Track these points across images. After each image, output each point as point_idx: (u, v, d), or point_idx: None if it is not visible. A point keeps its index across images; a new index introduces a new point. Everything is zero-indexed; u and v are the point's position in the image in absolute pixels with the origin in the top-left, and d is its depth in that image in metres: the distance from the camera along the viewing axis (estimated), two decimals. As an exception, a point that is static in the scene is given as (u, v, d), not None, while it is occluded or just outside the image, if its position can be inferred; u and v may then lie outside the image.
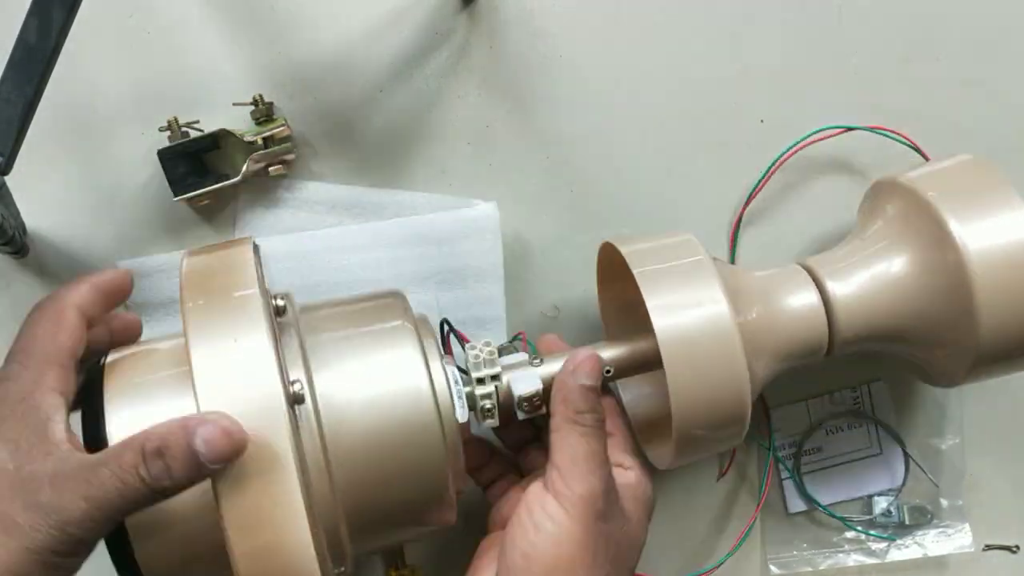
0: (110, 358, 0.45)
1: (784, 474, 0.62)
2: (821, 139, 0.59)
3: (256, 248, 0.46)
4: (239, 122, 0.58)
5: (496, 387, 0.49)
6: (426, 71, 0.60)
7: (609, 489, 0.46)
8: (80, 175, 0.59)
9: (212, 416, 0.38)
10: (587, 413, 0.47)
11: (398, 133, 0.60)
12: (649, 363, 0.51)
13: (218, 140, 0.57)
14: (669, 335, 0.47)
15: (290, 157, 0.58)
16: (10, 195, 0.54)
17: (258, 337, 0.40)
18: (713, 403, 0.48)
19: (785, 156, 0.60)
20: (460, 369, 0.49)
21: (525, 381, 0.49)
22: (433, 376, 0.46)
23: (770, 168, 0.60)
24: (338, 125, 0.60)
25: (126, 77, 0.59)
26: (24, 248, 0.57)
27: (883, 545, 0.62)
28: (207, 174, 0.57)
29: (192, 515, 0.41)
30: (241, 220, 0.59)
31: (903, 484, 0.62)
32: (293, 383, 0.42)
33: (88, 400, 0.43)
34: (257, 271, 0.44)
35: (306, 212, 0.60)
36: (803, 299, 0.52)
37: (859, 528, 0.62)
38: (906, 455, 0.62)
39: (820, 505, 0.61)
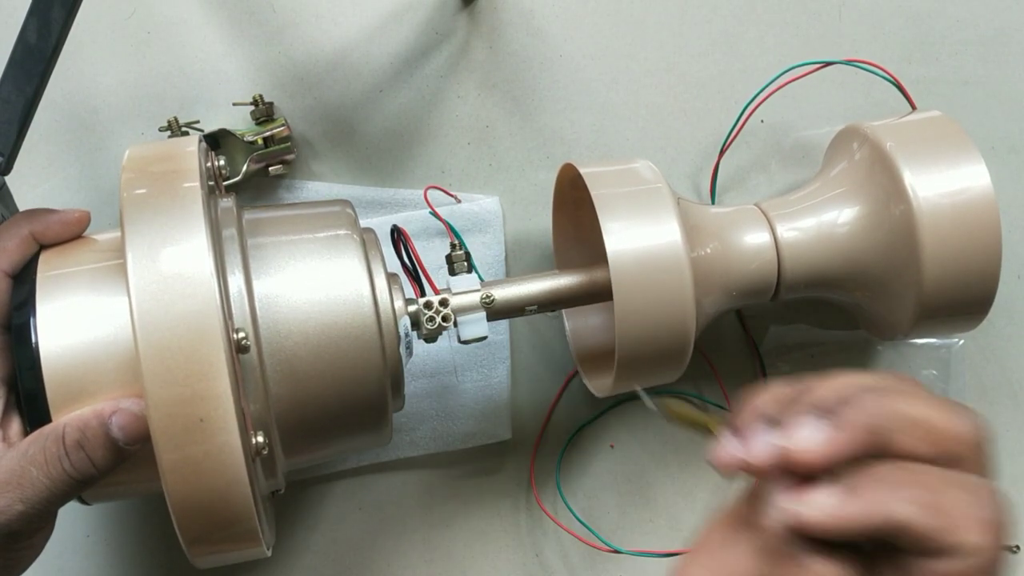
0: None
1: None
2: (799, 76, 0.58)
3: (202, 142, 0.45)
4: (239, 122, 0.58)
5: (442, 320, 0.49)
6: (426, 71, 0.60)
7: None
8: (80, 175, 0.59)
9: (124, 403, 0.40)
10: None
11: (398, 133, 0.60)
12: (598, 293, 0.51)
13: (218, 140, 0.57)
14: (620, 259, 0.47)
15: (290, 157, 0.58)
16: (10, 195, 0.54)
17: (196, 239, 0.39)
18: (657, 332, 0.48)
19: (763, 96, 0.58)
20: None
21: (473, 326, 0.50)
22: (376, 286, 0.45)
23: (744, 111, 0.59)
24: (338, 125, 0.60)
25: (126, 77, 0.59)
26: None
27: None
28: (207, 174, 0.57)
29: None
30: (241, 220, 0.59)
31: (903, 484, 0.62)
32: (229, 287, 0.41)
33: (19, 286, 0.43)
34: (200, 164, 0.43)
35: (306, 212, 0.59)
36: (757, 238, 0.52)
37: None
38: (906, 455, 0.62)
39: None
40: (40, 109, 0.47)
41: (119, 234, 0.40)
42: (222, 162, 0.48)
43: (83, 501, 0.44)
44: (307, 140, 0.60)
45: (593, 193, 0.48)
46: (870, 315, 0.55)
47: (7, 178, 0.50)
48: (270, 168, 0.58)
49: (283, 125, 0.58)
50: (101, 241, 0.45)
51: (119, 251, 0.39)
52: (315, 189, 0.59)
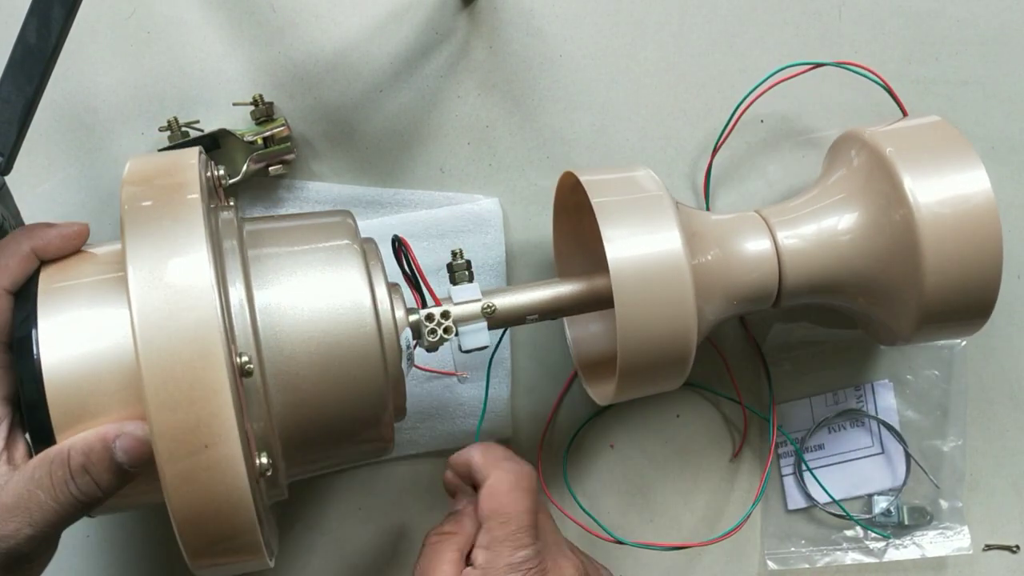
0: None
1: (785, 470, 0.62)
2: (788, 77, 0.58)
3: (202, 154, 0.45)
4: (239, 122, 0.58)
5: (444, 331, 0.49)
6: (426, 71, 0.60)
7: None
8: (80, 175, 0.59)
9: (128, 427, 0.40)
10: None
11: (398, 133, 0.60)
12: (599, 301, 0.51)
13: (218, 140, 0.57)
14: (621, 267, 0.47)
15: (290, 157, 0.58)
16: (10, 195, 0.54)
17: (197, 254, 0.39)
18: (659, 340, 0.48)
19: (753, 96, 0.59)
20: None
21: (474, 335, 0.49)
22: (377, 296, 0.45)
23: (736, 110, 0.59)
24: (338, 125, 0.60)
25: (126, 77, 0.59)
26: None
27: (881, 544, 0.62)
28: (207, 174, 0.57)
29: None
30: (241, 220, 0.59)
31: (904, 484, 0.62)
32: (230, 300, 0.41)
33: (22, 302, 0.43)
34: (200, 176, 0.43)
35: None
36: (757, 245, 0.52)
37: (860, 522, 0.62)
38: (908, 455, 0.62)
39: (832, 498, 0.62)
40: (40, 109, 0.47)
41: (119, 247, 0.40)
42: (221, 172, 0.48)
43: (87, 513, 0.44)
44: (307, 140, 0.60)
45: (594, 201, 0.48)
46: (872, 321, 0.55)
47: (7, 178, 0.50)
48: (270, 168, 0.58)
49: (283, 125, 0.58)
50: (101, 254, 0.45)
51: (120, 264, 0.39)
52: (315, 189, 0.59)
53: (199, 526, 0.39)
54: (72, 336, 0.41)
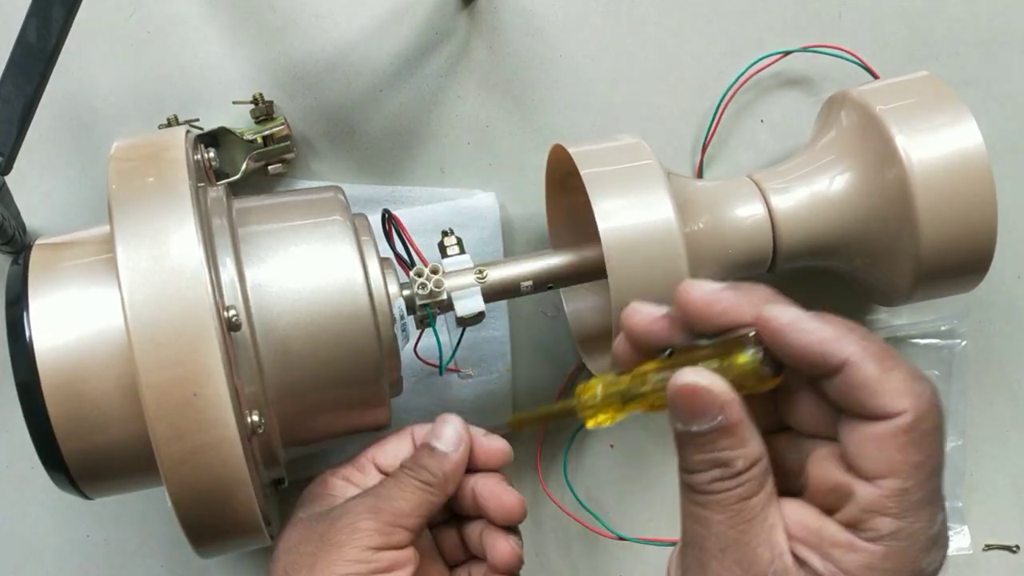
0: (38, 242, 0.45)
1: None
2: (762, 68, 0.59)
3: (190, 134, 0.46)
4: (239, 121, 0.58)
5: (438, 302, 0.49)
6: (426, 71, 0.60)
7: None
8: (80, 175, 0.59)
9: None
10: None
11: (398, 133, 0.60)
12: (594, 271, 0.51)
13: (218, 138, 0.57)
14: (613, 238, 0.47)
15: (290, 156, 0.58)
16: (10, 195, 0.54)
17: (185, 227, 0.39)
18: None
19: (734, 88, 0.59)
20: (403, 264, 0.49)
21: (468, 300, 0.49)
22: (368, 270, 0.45)
23: (721, 100, 0.60)
24: (338, 124, 0.60)
25: (126, 76, 0.59)
26: (24, 248, 0.57)
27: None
28: (207, 173, 0.57)
29: (118, 417, 0.41)
30: (241, 220, 0.59)
31: (903, 484, 0.62)
32: (219, 272, 0.41)
33: (13, 286, 0.43)
34: (187, 155, 0.43)
35: (306, 212, 0.59)
36: (750, 210, 0.52)
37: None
38: (906, 455, 0.62)
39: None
40: (40, 109, 0.47)
41: (108, 228, 0.40)
42: (212, 154, 0.48)
43: (84, 495, 0.44)
44: (307, 139, 0.60)
45: (583, 172, 0.48)
46: (870, 281, 0.55)
47: (7, 178, 0.50)
48: (269, 167, 0.58)
49: (283, 124, 0.58)
50: (92, 235, 0.45)
51: (110, 244, 0.39)
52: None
53: (191, 484, 0.38)
54: (64, 317, 0.41)
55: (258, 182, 0.59)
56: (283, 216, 0.46)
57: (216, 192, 0.46)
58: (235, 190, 0.59)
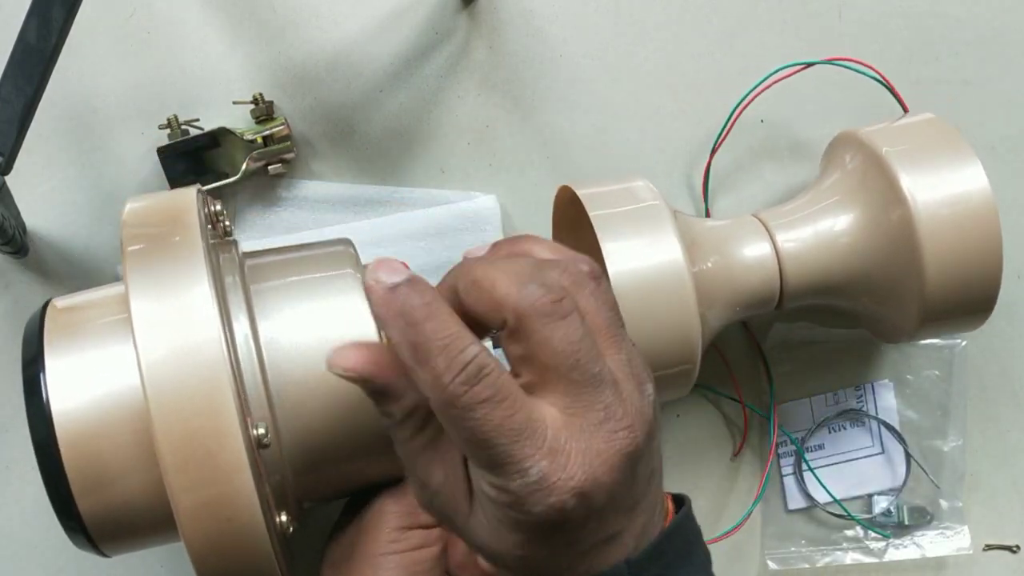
0: (53, 301, 0.45)
1: (785, 470, 0.62)
2: (782, 78, 0.58)
3: (200, 192, 0.46)
4: (239, 121, 0.58)
5: None
6: (426, 71, 0.60)
7: None
8: (80, 175, 0.59)
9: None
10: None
11: (398, 133, 0.60)
12: None
13: (218, 138, 0.57)
14: (622, 280, 0.47)
15: (290, 156, 0.58)
16: (10, 195, 0.54)
17: (200, 288, 0.40)
18: (663, 349, 0.48)
19: (750, 98, 0.59)
20: None
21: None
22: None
23: (734, 111, 0.59)
24: (338, 125, 0.60)
25: (126, 76, 0.59)
26: (24, 248, 0.57)
27: (881, 544, 0.62)
28: (206, 172, 0.57)
29: (134, 470, 0.41)
30: (240, 219, 0.59)
31: (904, 484, 0.62)
32: (235, 336, 0.42)
33: (28, 345, 0.43)
34: (200, 216, 0.43)
35: (306, 211, 0.60)
36: (757, 250, 0.52)
37: (861, 522, 0.61)
38: (908, 455, 0.62)
39: (832, 497, 0.62)
40: (40, 109, 0.47)
41: (123, 288, 0.40)
42: (219, 207, 0.48)
43: (102, 553, 0.45)
44: (307, 139, 0.60)
45: (591, 214, 0.48)
46: (875, 320, 0.55)
47: (7, 178, 0.50)
48: (269, 167, 0.58)
49: (283, 124, 0.58)
50: (105, 296, 0.46)
51: (124, 304, 0.40)
52: (314, 188, 0.59)
53: (207, 535, 0.39)
54: (80, 377, 0.42)
55: (258, 182, 0.59)
56: (294, 271, 0.47)
57: (228, 251, 0.46)
58: (235, 190, 0.59)
